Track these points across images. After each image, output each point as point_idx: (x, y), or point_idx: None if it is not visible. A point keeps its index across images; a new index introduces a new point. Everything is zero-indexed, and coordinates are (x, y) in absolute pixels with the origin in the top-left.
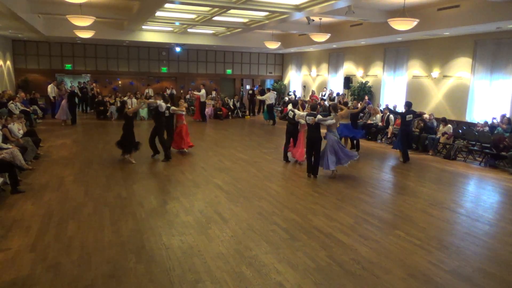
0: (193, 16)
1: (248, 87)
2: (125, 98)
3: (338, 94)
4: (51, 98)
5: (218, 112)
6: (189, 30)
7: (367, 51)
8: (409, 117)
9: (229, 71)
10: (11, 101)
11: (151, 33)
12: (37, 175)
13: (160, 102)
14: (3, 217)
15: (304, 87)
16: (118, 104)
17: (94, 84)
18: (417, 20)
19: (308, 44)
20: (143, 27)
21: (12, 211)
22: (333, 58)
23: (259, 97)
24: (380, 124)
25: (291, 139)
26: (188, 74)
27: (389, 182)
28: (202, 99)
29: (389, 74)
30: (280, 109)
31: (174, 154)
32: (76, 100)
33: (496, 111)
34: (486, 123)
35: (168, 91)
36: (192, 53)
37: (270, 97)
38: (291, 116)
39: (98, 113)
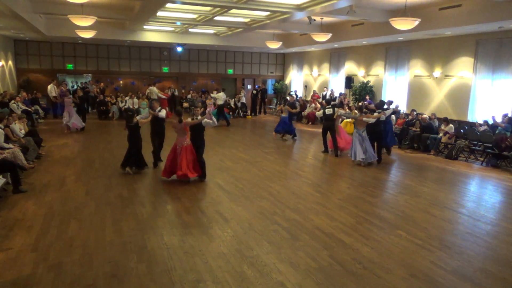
0: (195, 16)
1: (249, 87)
2: (127, 98)
3: (340, 94)
4: (51, 97)
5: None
6: (190, 30)
7: (369, 51)
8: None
9: (230, 71)
10: (13, 101)
11: (153, 33)
12: (39, 175)
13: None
14: (5, 216)
15: (306, 87)
16: (120, 105)
17: (102, 84)
18: (419, 19)
19: (310, 44)
20: (145, 27)
21: (13, 210)
22: (335, 58)
23: (213, 95)
24: None
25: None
26: (190, 74)
27: (391, 182)
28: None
29: (390, 74)
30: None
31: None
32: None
33: (498, 111)
34: (485, 122)
35: (170, 92)
36: (194, 53)
37: (222, 98)
38: (328, 113)
39: (100, 113)
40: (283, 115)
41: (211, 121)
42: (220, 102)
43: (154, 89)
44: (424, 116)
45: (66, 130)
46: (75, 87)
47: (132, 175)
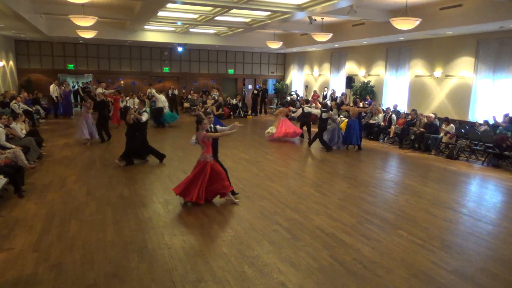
0: (195, 16)
1: (250, 86)
2: (127, 98)
3: (342, 94)
4: (54, 98)
5: (220, 112)
6: (191, 30)
7: (369, 51)
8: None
9: (231, 70)
10: (14, 101)
11: (153, 33)
12: (40, 175)
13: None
14: (6, 216)
15: (306, 86)
16: (121, 104)
17: (103, 84)
18: (420, 19)
19: (310, 44)
20: (145, 27)
21: (15, 210)
22: (335, 58)
23: (151, 91)
24: (382, 123)
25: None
26: (190, 74)
27: (392, 181)
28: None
29: (391, 74)
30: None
31: (174, 152)
32: (76, 98)
33: (498, 111)
34: (486, 122)
35: (170, 92)
36: (194, 53)
37: (161, 100)
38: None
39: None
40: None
41: (227, 128)
42: (159, 104)
43: (99, 90)
44: (431, 115)
45: (87, 141)
46: (76, 87)
47: (134, 174)
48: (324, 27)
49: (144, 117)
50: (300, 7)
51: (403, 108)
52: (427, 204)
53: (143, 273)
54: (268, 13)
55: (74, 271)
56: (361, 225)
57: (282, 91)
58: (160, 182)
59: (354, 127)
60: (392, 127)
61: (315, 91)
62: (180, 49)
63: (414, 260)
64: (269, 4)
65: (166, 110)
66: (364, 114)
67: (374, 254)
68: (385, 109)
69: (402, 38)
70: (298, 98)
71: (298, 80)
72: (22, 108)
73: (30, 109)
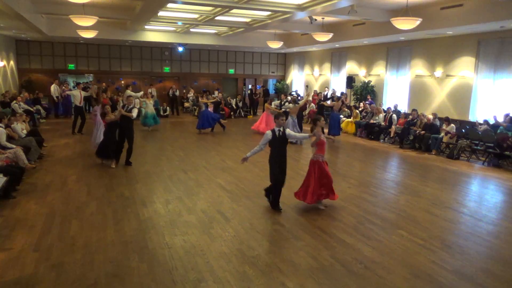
0: (196, 16)
1: (250, 86)
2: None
3: (342, 94)
4: (55, 98)
5: (221, 112)
6: (191, 29)
7: (370, 51)
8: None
9: (231, 70)
10: (15, 101)
11: (154, 33)
12: (41, 175)
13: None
14: (7, 216)
15: (307, 86)
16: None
17: (103, 84)
18: (420, 19)
19: (311, 44)
20: (146, 27)
21: (15, 210)
22: (336, 58)
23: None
24: (383, 123)
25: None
26: (191, 74)
27: (392, 181)
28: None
29: (392, 74)
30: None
31: (175, 152)
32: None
33: (499, 110)
34: (486, 121)
35: (171, 92)
36: (195, 52)
37: (137, 96)
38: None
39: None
40: (204, 109)
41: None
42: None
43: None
44: (429, 116)
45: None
46: (76, 87)
47: (134, 175)
48: (325, 27)
49: (134, 113)
50: (300, 7)
51: (404, 108)
52: (428, 204)
53: (143, 273)
54: (269, 13)
55: (75, 271)
56: (361, 225)
57: (282, 91)
58: (161, 182)
59: (337, 120)
60: (393, 127)
61: (315, 91)
62: (180, 49)
63: (414, 260)
64: (269, 4)
65: (149, 112)
66: (365, 114)
67: (374, 254)
68: (385, 109)
69: (402, 38)
70: (299, 98)
71: (298, 80)
72: (22, 108)
73: (31, 109)
